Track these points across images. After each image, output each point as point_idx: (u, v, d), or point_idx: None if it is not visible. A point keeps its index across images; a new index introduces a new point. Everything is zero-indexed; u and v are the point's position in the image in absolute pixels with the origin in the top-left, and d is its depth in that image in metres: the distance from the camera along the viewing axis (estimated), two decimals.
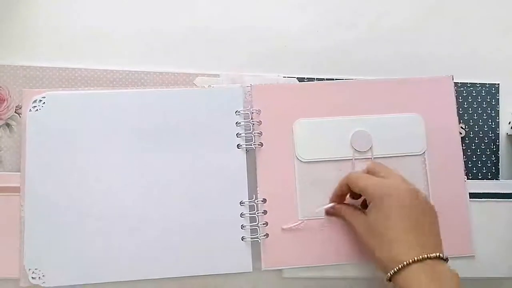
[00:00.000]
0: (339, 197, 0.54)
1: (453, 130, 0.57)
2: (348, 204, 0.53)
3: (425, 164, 0.56)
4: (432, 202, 0.50)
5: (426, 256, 0.44)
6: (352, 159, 0.56)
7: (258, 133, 0.55)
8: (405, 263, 0.44)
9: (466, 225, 0.56)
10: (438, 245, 0.47)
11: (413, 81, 0.58)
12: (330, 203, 0.54)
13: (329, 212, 0.54)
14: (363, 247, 0.51)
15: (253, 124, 0.55)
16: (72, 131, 0.54)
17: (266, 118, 0.56)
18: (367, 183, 0.49)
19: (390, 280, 0.45)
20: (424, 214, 0.47)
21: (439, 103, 0.57)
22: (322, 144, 0.56)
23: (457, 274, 0.44)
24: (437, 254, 0.45)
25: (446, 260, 0.45)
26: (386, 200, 0.47)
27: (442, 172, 0.56)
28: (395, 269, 0.44)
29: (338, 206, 0.53)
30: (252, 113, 0.55)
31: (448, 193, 0.55)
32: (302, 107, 0.56)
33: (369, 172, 0.52)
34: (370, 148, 0.56)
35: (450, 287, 0.43)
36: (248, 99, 0.56)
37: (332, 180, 0.55)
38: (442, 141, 0.56)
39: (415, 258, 0.44)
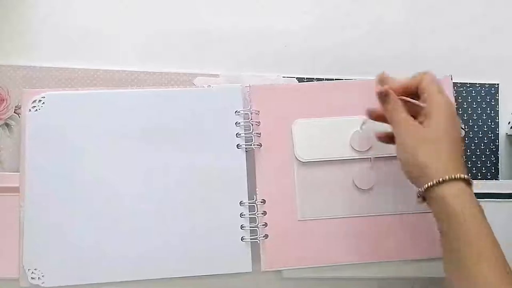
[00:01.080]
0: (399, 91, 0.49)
1: None
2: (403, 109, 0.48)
3: None
4: None
5: (469, 179, 0.44)
6: (351, 159, 0.56)
7: (257, 133, 0.55)
8: (453, 176, 0.43)
9: None
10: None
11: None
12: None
13: (381, 94, 0.48)
14: (404, 156, 0.47)
15: (252, 124, 0.55)
16: (72, 131, 0.54)
17: (264, 118, 0.56)
18: (434, 89, 0.47)
19: (426, 192, 0.44)
20: (461, 139, 0.47)
21: None
22: (321, 145, 0.56)
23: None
24: (472, 182, 0.44)
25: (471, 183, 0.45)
26: (450, 115, 0.46)
27: None
28: (444, 178, 0.43)
29: (395, 97, 0.48)
30: (251, 113, 0.55)
31: None
32: (301, 107, 0.56)
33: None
34: (370, 148, 0.56)
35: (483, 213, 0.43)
36: (247, 99, 0.56)
37: (331, 180, 0.55)
38: None
39: (464, 176, 0.43)
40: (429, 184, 0.43)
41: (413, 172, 0.45)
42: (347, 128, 0.56)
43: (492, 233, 0.43)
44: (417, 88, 0.48)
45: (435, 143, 0.45)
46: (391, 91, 0.48)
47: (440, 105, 0.46)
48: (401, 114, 0.47)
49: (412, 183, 0.46)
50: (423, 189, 0.44)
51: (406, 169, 0.46)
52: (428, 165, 0.44)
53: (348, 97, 0.57)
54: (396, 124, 0.47)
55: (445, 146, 0.45)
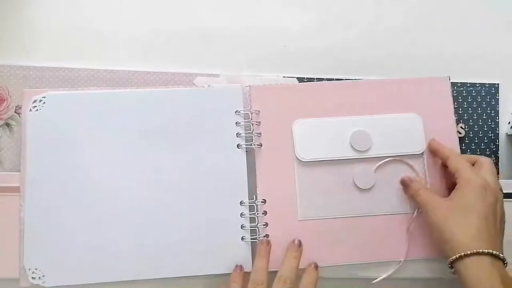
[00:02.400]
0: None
1: (451, 130, 0.57)
2: (425, 188, 0.53)
3: (424, 164, 0.56)
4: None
5: (496, 253, 0.45)
6: (351, 159, 0.56)
7: (257, 133, 0.55)
8: (475, 250, 0.45)
9: None
10: (500, 245, 0.48)
11: (411, 81, 0.57)
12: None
13: (404, 183, 0.54)
14: (432, 231, 0.51)
15: (253, 124, 0.55)
16: (72, 131, 0.54)
17: (265, 118, 0.56)
18: (465, 166, 0.50)
19: (452, 264, 0.47)
20: (496, 216, 0.48)
21: (437, 103, 0.57)
22: (321, 144, 0.56)
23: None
24: (498, 253, 0.46)
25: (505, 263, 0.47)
26: (475, 188, 0.48)
27: (440, 171, 0.56)
28: (465, 252, 0.45)
29: (417, 187, 0.53)
30: (251, 113, 0.55)
31: (446, 193, 0.55)
32: (301, 107, 0.56)
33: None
34: (370, 148, 0.56)
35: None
36: (247, 99, 0.56)
37: (332, 180, 0.55)
38: (440, 141, 0.56)
39: (487, 251, 0.45)
40: (452, 258, 0.46)
41: (442, 246, 0.48)
42: (348, 128, 0.56)
43: None
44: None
45: (460, 215, 0.47)
46: (410, 183, 0.54)
47: (468, 180, 0.49)
48: (423, 195, 0.51)
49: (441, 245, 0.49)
50: (449, 262, 0.47)
51: (438, 246, 0.50)
52: (452, 239, 0.47)
53: (349, 97, 0.57)
54: (421, 205, 0.52)
55: (471, 219, 0.47)
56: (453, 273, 0.47)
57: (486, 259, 0.45)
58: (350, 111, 0.57)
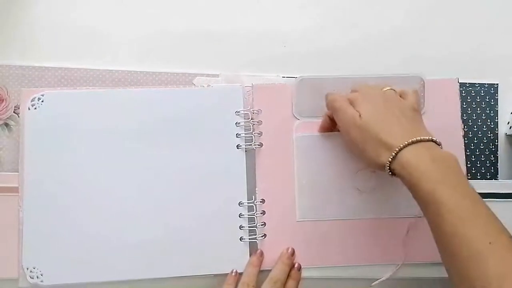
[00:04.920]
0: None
1: (457, 132, 0.57)
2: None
3: None
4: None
5: (419, 138, 0.44)
6: (352, 161, 0.55)
7: (258, 133, 0.55)
8: (401, 145, 0.44)
9: None
10: (427, 133, 0.46)
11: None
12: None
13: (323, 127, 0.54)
14: (357, 153, 0.49)
15: (253, 124, 0.55)
16: (71, 130, 0.54)
17: (266, 118, 0.56)
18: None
19: (390, 171, 0.45)
20: (403, 110, 0.47)
21: (444, 105, 0.57)
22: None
23: (454, 155, 0.44)
24: (430, 137, 0.44)
25: (439, 144, 0.45)
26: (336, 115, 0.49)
27: None
28: (392, 154, 0.44)
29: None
30: (253, 113, 0.55)
31: None
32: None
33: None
34: None
35: (452, 166, 0.43)
36: (246, 99, 0.56)
37: (332, 182, 0.55)
38: (445, 142, 0.56)
39: (410, 141, 0.44)
40: (389, 158, 0.44)
41: (372, 151, 0.46)
42: None
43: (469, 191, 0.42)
44: None
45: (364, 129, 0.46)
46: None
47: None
48: (341, 103, 0.49)
49: (370, 165, 0.47)
50: (387, 168, 0.45)
51: (362, 149, 0.47)
52: (384, 139, 0.45)
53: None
54: (337, 112, 0.49)
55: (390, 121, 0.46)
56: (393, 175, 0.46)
57: (422, 147, 0.44)
58: None
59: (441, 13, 0.62)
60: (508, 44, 0.62)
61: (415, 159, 0.43)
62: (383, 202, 0.55)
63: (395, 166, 0.44)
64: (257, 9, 0.61)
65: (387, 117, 0.46)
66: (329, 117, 0.54)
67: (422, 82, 0.57)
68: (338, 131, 0.53)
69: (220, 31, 0.60)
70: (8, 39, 0.58)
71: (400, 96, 0.50)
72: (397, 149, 0.44)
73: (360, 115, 0.47)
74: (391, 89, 0.49)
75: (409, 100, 0.49)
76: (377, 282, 0.54)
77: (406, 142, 0.44)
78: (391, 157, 0.44)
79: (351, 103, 0.49)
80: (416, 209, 0.54)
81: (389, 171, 0.45)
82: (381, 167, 0.45)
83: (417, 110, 0.48)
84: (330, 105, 0.51)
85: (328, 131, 0.55)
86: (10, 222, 0.53)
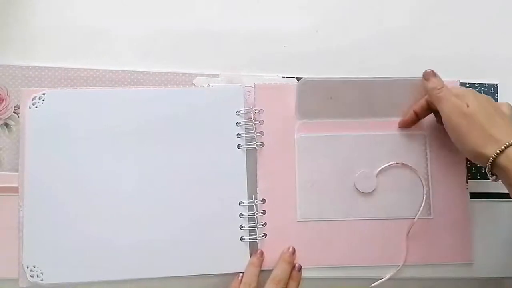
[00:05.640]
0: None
1: None
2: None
3: (428, 170, 0.56)
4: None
5: None
6: (354, 162, 0.55)
7: (259, 132, 0.55)
8: (510, 141, 0.45)
9: (467, 230, 0.56)
10: None
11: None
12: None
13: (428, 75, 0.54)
14: (459, 141, 0.50)
15: (255, 123, 0.55)
16: (71, 129, 0.54)
17: (268, 118, 0.56)
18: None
19: (491, 165, 0.46)
20: (503, 111, 0.50)
21: None
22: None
23: None
24: None
25: None
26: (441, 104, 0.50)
27: (443, 175, 0.56)
28: (502, 147, 0.45)
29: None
30: (255, 112, 0.55)
31: (449, 197, 0.55)
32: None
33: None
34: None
35: None
36: (249, 98, 0.56)
37: (333, 182, 0.55)
38: (445, 144, 0.56)
39: None
40: (493, 156, 0.45)
41: (476, 140, 0.47)
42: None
43: None
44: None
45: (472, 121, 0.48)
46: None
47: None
48: (446, 93, 0.51)
49: (471, 154, 0.48)
50: (489, 165, 0.46)
51: (465, 138, 0.48)
52: (491, 131, 0.47)
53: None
54: (442, 100, 0.51)
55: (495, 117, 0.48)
56: (494, 178, 0.47)
57: None
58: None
59: (441, 13, 0.62)
60: (508, 44, 0.62)
61: None
62: (384, 203, 0.55)
63: (502, 160, 0.45)
64: (257, 9, 0.61)
65: (492, 113, 0.48)
66: (415, 112, 0.55)
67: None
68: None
69: (220, 31, 0.60)
70: (8, 39, 0.58)
71: None
72: (507, 143, 0.45)
73: (467, 106, 0.48)
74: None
75: (503, 104, 0.51)
76: (377, 283, 0.54)
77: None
78: (500, 150, 0.45)
79: (456, 95, 0.50)
80: (416, 211, 0.54)
81: (490, 165, 0.46)
82: (483, 158, 0.47)
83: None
84: (434, 94, 0.52)
85: (410, 127, 0.56)
86: (10, 222, 0.53)
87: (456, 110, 0.49)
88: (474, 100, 0.49)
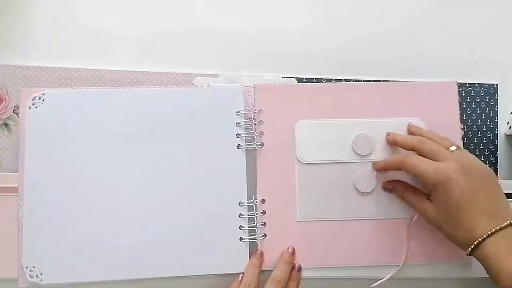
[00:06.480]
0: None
1: (456, 134, 0.56)
2: (410, 188, 0.53)
3: None
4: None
5: (498, 228, 0.45)
6: (353, 162, 0.55)
7: (259, 133, 0.55)
8: (480, 239, 0.45)
9: None
10: (508, 212, 0.47)
11: (416, 85, 0.57)
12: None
13: (387, 188, 0.55)
14: (435, 227, 0.50)
15: (255, 124, 0.55)
16: (71, 129, 0.54)
17: (268, 118, 0.56)
18: (425, 168, 0.48)
19: (470, 255, 0.47)
20: (486, 185, 0.47)
21: (442, 108, 0.57)
22: (323, 146, 0.56)
23: None
24: (509, 222, 0.45)
25: None
26: (448, 185, 0.47)
27: None
28: (472, 246, 0.46)
29: (401, 187, 0.54)
30: (254, 112, 0.55)
31: None
32: (304, 108, 0.56)
33: (419, 151, 0.51)
34: (371, 152, 0.55)
35: None
36: (248, 99, 0.56)
37: (332, 182, 0.55)
38: None
39: (488, 233, 0.45)
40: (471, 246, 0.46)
41: (453, 239, 0.48)
42: (350, 131, 0.56)
43: None
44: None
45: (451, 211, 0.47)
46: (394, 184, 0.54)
47: (434, 182, 0.48)
48: (419, 200, 0.52)
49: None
50: (468, 252, 0.47)
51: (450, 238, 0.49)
52: (457, 240, 0.47)
53: (352, 99, 0.56)
54: (419, 209, 0.51)
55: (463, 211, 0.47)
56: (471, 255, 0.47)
57: (503, 234, 0.45)
58: (354, 113, 0.56)
59: (441, 13, 0.62)
60: (508, 44, 0.62)
61: (493, 252, 0.45)
62: (383, 203, 0.55)
63: (476, 254, 0.46)
64: (257, 9, 0.61)
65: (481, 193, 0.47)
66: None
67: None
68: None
69: (220, 31, 0.60)
70: (8, 39, 0.58)
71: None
72: (476, 242, 0.46)
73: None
74: (458, 147, 0.50)
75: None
76: (377, 283, 0.54)
77: (485, 235, 0.45)
78: (471, 248, 0.46)
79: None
80: (415, 211, 0.54)
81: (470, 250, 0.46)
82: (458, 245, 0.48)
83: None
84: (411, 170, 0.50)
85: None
86: (9, 222, 0.53)
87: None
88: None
